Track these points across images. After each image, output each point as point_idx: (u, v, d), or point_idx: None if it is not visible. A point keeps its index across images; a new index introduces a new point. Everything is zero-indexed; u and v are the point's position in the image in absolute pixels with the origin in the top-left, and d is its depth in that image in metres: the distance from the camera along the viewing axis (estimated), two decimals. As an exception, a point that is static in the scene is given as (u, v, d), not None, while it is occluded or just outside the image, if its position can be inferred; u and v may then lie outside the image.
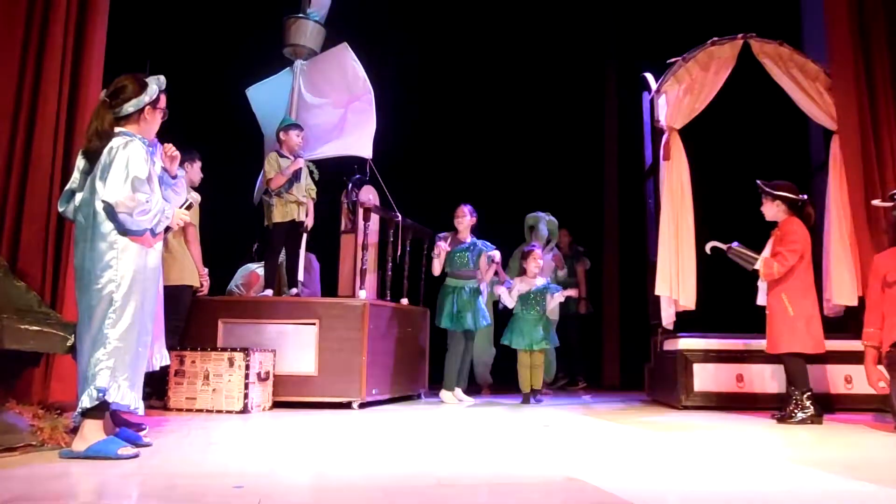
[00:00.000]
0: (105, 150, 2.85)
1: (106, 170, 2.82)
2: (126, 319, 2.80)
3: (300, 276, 5.62)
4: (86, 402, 2.77)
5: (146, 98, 2.96)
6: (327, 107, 6.23)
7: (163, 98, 3.04)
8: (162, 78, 3.04)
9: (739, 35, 5.54)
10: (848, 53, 5.31)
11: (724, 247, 4.42)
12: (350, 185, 5.80)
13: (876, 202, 4.31)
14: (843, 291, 5.11)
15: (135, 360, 2.84)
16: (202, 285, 4.90)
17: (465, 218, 5.70)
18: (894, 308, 3.96)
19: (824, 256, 5.20)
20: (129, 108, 2.94)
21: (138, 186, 2.82)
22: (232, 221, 6.00)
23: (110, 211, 2.80)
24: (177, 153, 3.18)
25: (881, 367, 3.97)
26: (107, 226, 2.82)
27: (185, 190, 3.32)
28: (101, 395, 2.75)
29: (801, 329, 4.24)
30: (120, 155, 2.82)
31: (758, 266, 4.25)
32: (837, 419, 4.39)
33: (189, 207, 3.23)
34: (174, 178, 3.21)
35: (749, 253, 4.33)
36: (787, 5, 6.14)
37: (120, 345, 2.79)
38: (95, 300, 2.80)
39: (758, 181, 4.48)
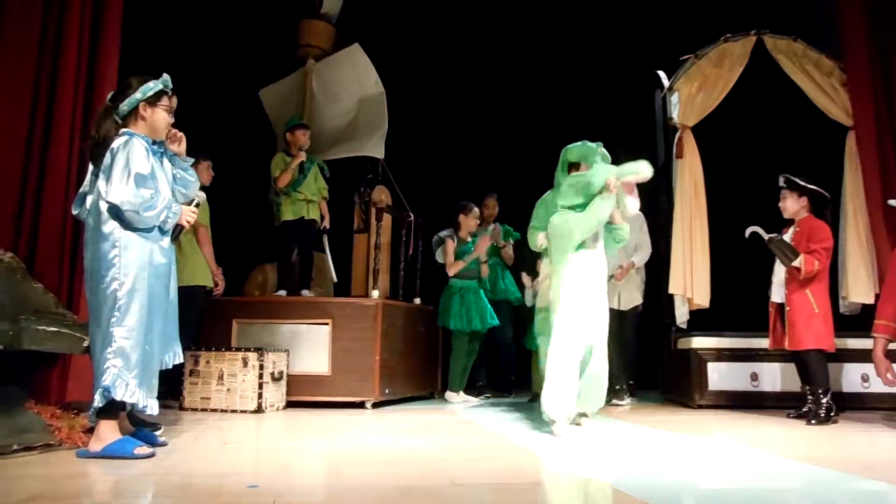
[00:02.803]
0: (108, 152, 2.88)
1: (107, 171, 2.86)
2: (131, 317, 2.81)
3: (334, 276, 5.64)
4: (97, 401, 2.79)
5: (138, 95, 2.96)
6: (339, 107, 6.26)
7: (167, 98, 3.01)
8: (165, 76, 3.01)
9: (752, 31, 5.51)
10: (863, 48, 5.25)
11: (766, 236, 4.30)
12: (362, 185, 5.83)
13: (892, 202, 4.25)
14: (859, 289, 5.07)
15: (143, 358, 2.83)
16: (217, 285, 4.93)
17: (478, 218, 5.70)
18: None
19: (840, 254, 5.15)
20: (125, 107, 2.97)
21: (141, 183, 2.85)
22: (244, 222, 6.03)
23: (116, 211, 2.83)
24: (181, 134, 3.12)
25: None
26: (109, 225, 2.85)
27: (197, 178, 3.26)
28: (107, 393, 2.77)
29: (824, 326, 4.23)
30: (120, 154, 2.86)
31: (797, 263, 4.20)
32: (854, 418, 4.35)
33: (197, 206, 3.22)
34: (185, 161, 3.16)
35: (791, 247, 4.26)
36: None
37: (126, 343, 2.79)
38: (101, 299, 2.82)
39: (786, 175, 4.42)
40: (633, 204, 3.74)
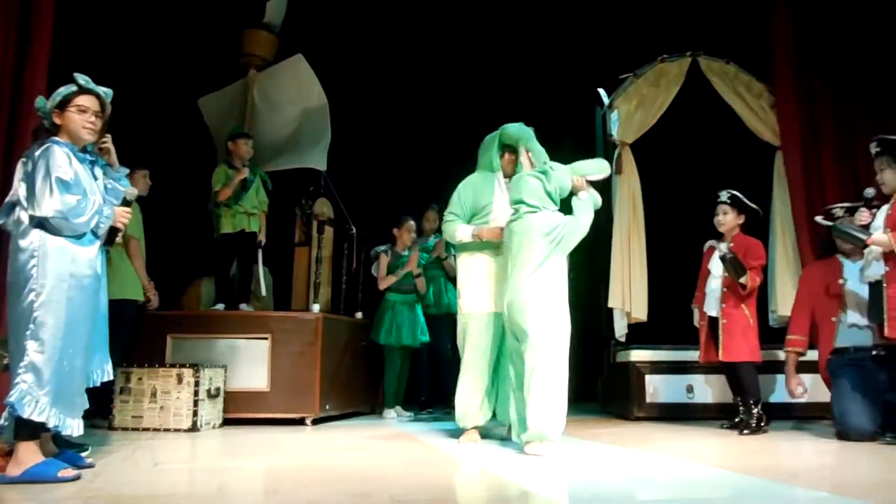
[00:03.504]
0: (29, 160, 2.76)
1: (29, 179, 2.73)
2: (46, 331, 2.66)
3: (263, 290, 5.53)
4: (2, 419, 2.65)
5: (49, 104, 2.86)
6: (282, 118, 6.18)
7: (79, 98, 2.86)
8: (78, 75, 2.88)
9: (688, 53, 5.72)
10: (790, 73, 5.53)
11: (722, 251, 4.40)
12: (304, 197, 5.75)
13: (818, 219, 4.46)
14: (787, 303, 5.27)
15: (58, 374, 2.67)
16: (149, 300, 4.78)
17: (413, 232, 5.71)
18: (828, 318, 4.13)
19: (770, 269, 5.35)
20: (44, 120, 2.88)
21: (64, 189, 2.72)
22: (182, 233, 5.88)
23: (39, 220, 2.70)
24: (108, 144, 3.01)
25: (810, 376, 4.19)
26: (28, 236, 2.71)
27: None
28: (12, 410, 2.61)
29: (755, 339, 4.39)
30: (40, 163, 2.73)
31: (744, 280, 4.31)
32: (782, 427, 4.51)
33: (130, 204, 3.10)
34: (119, 172, 3.07)
35: (742, 264, 4.37)
36: (735, 21, 6.34)
37: (38, 357, 2.64)
38: (19, 313, 2.68)
39: (732, 192, 4.52)
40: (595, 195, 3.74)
